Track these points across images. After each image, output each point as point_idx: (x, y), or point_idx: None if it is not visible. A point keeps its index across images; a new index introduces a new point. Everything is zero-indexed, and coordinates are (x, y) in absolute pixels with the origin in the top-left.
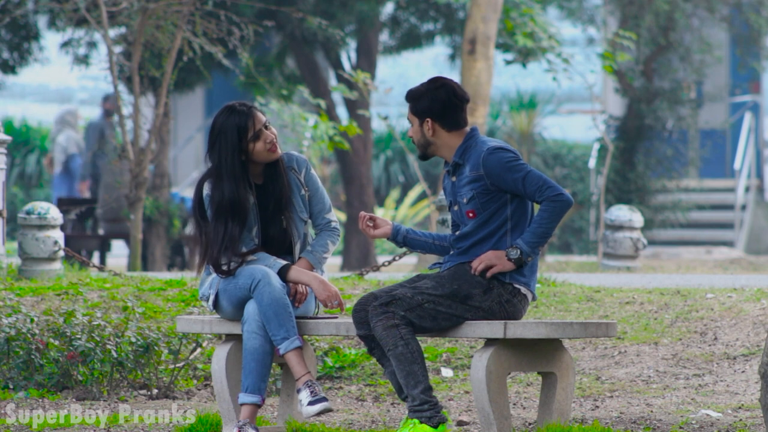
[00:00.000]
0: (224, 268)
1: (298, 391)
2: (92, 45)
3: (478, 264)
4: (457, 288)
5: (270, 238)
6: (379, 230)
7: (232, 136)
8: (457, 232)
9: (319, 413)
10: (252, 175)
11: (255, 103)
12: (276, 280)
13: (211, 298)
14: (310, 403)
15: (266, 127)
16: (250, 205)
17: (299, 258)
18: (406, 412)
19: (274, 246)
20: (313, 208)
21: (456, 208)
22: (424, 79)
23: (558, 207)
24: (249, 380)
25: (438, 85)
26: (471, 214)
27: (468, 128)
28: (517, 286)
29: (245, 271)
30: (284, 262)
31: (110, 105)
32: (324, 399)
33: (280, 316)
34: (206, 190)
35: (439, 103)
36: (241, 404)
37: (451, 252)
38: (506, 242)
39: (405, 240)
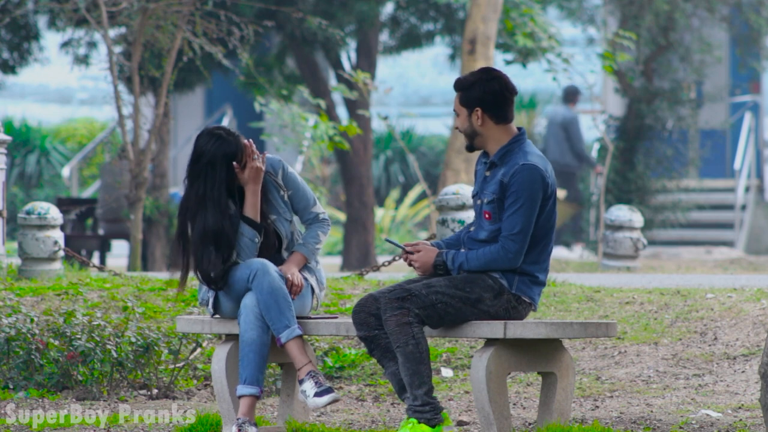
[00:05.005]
0: (213, 286)
1: (301, 381)
2: (92, 45)
3: (412, 255)
4: (469, 291)
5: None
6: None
7: (221, 167)
8: (471, 229)
9: (327, 404)
10: (235, 201)
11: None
12: (274, 270)
13: (210, 300)
14: (317, 395)
15: (251, 157)
16: (234, 234)
17: (292, 252)
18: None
19: (263, 249)
20: (297, 206)
21: (479, 201)
22: (424, 79)
23: (501, 259)
24: (247, 371)
25: (491, 76)
26: (487, 215)
27: (515, 127)
28: (523, 297)
29: (243, 265)
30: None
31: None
32: (330, 389)
33: (280, 305)
34: (190, 220)
35: (491, 94)
36: (240, 397)
37: (461, 250)
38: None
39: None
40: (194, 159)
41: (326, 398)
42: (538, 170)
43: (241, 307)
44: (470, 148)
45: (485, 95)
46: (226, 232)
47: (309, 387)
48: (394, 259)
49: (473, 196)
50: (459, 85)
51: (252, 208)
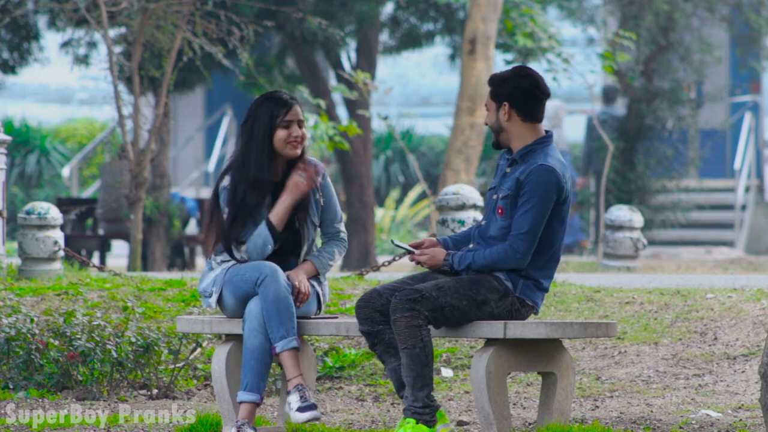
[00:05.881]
0: (237, 255)
1: (288, 393)
2: (92, 45)
3: (421, 256)
4: (476, 292)
5: (282, 237)
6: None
7: (264, 119)
8: (483, 223)
9: (308, 421)
10: (278, 170)
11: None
12: (282, 278)
13: (215, 295)
14: (300, 409)
15: (299, 125)
16: (269, 187)
17: (304, 260)
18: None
19: (283, 246)
20: (325, 216)
21: (495, 196)
22: (424, 79)
23: (508, 259)
24: (248, 378)
25: (523, 73)
26: (500, 211)
27: (543, 129)
28: (526, 301)
29: (253, 265)
30: (265, 219)
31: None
32: (313, 407)
33: (282, 314)
34: (225, 181)
35: (520, 90)
36: (240, 402)
37: (471, 245)
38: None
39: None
40: (246, 115)
41: (307, 414)
42: (555, 173)
43: (246, 312)
44: (496, 145)
45: (515, 91)
46: (264, 181)
47: (294, 400)
48: (393, 259)
49: (490, 189)
50: (492, 80)
51: (276, 216)
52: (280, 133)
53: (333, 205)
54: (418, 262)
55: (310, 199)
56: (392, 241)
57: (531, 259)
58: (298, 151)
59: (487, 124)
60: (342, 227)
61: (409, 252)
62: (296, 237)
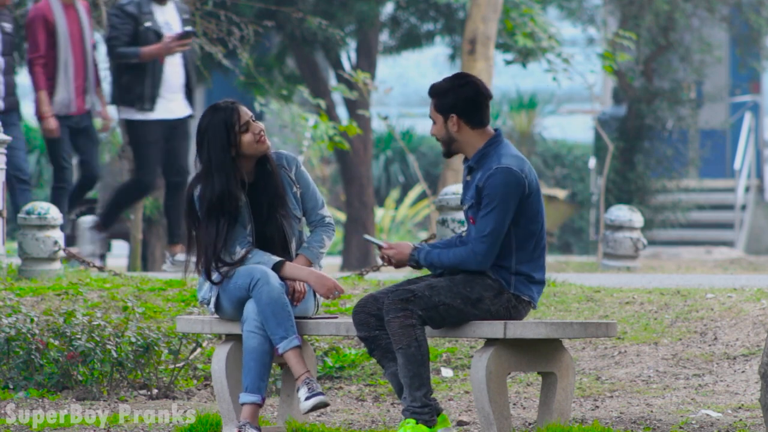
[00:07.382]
0: (214, 278)
1: (298, 389)
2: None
3: (388, 250)
4: (470, 290)
5: (265, 237)
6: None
7: (219, 131)
8: (463, 234)
9: (314, 407)
10: (244, 173)
11: (240, 102)
12: (275, 280)
13: (212, 300)
14: (306, 398)
15: (253, 120)
16: (241, 201)
17: (297, 255)
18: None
19: (270, 245)
20: (306, 205)
21: (465, 207)
22: (424, 79)
23: (469, 262)
24: (248, 379)
25: (464, 81)
26: (472, 221)
27: (491, 129)
28: (522, 297)
29: (244, 271)
30: (278, 259)
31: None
32: (320, 393)
33: (278, 316)
34: (197, 191)
35: (464, 100)
36: (242, 404)
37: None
38: (510, 261)
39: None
40: (197, 133)
41: (311, 401)
42: (512, 172)
43: (244, 312)
44: (447, 154)
45: (459, 101)
46: (232, 197)
47: (302, 393)
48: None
49: (461, 202)
50: (433, 91)
51: (288, 275)
52: (246, 137)
53: (312, 193)
54: (387, 258)
55: (288, 195)
56: (364, 237)
57: (517, 254)
58: (268, 143)
59: (434, 135)
60: (326, 212)
61: (380, 247)
62: (282, 235)
